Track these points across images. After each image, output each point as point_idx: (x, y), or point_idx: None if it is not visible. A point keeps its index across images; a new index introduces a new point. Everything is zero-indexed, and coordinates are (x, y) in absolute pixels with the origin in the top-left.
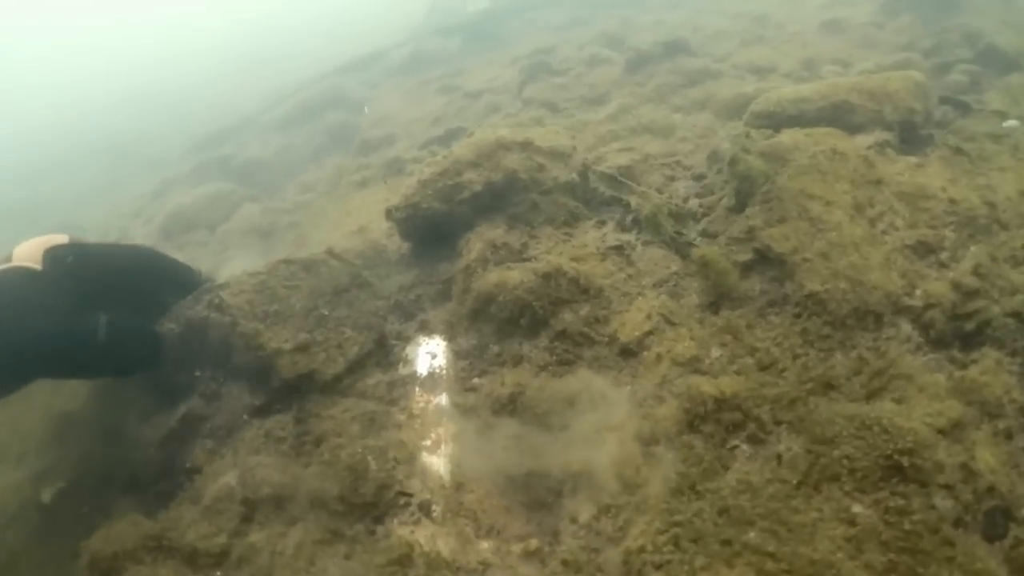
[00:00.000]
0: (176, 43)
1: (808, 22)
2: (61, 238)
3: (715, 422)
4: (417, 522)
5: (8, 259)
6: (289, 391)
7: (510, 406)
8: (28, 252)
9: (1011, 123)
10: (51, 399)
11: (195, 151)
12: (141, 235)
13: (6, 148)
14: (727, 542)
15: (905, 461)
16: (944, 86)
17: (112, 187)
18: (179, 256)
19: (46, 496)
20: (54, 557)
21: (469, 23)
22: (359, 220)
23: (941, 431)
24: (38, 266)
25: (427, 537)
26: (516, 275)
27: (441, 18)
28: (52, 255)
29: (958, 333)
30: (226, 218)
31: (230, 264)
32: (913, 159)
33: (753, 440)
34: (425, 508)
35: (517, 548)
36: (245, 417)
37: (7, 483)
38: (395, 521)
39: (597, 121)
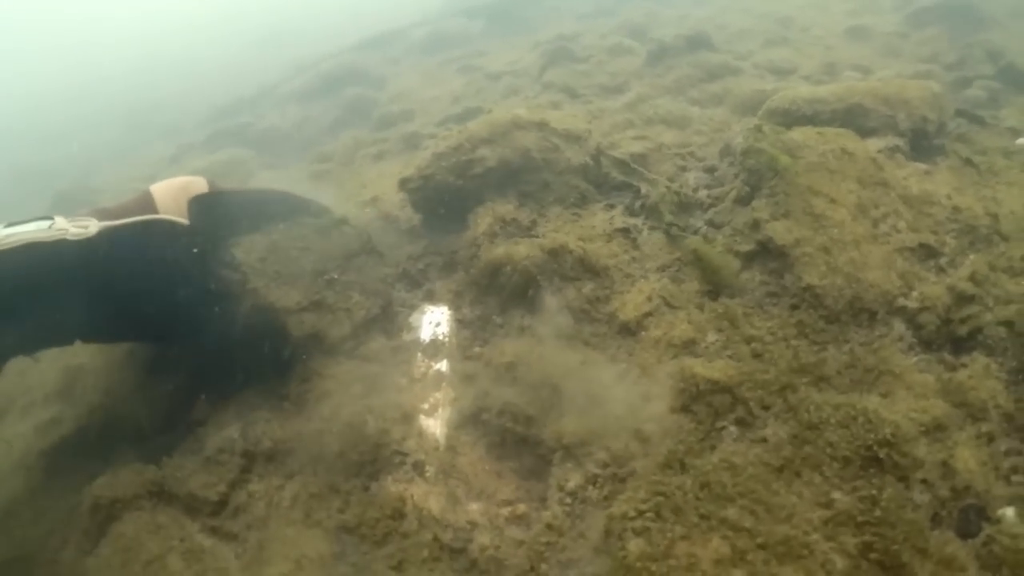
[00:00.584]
0: (196, 10)
1: (833, 27)
2: (200, 184)
3: (706, 404)
4: (410, 480)
5: (150, 206)
6: (295, 349)
7: (508, 375)
8: (171, 200)
9: (1023, 141)
10: (59, 352)
11: (212, 120)
12: None
13: (22, 109)
14: (706, 516)
15: (884, 453)
16: (962, 99)
17: (127, 152)
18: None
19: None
20: (57, 504)
21: (493, 5)
22: (373, 191)
23: (924, 428)
24: (184, 219)
25: (419, 495)
26: (523, 249)
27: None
28: (199, 206)
29: (950, 336)
30: (242, 184)
31: None
32: (922, 166)
33: (741, 423)
34: (419, 468)
35: (505, 511)
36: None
37: (12, 433)
38: (389, 479)
39: (614, 109)
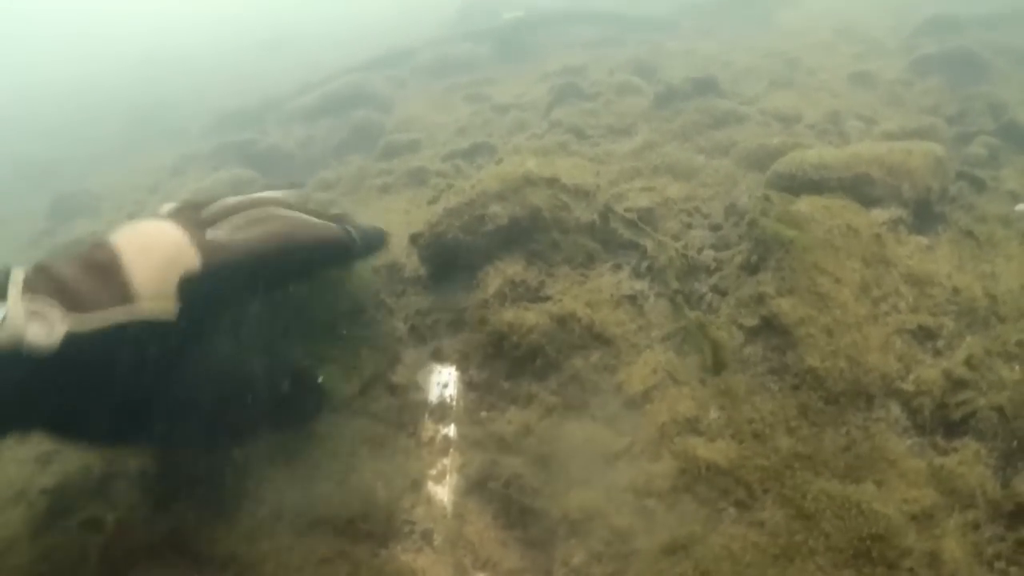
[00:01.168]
0: (202, 8)
1: (838, 71)
2: (191, 256)
3: (707, 484)
4: (419, 550)
5: (126, 289)
6: (301, 408)
7: (515, 444)
8: (153, 274)
9: (1022, 207)
10: None
11: (216, 129)
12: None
13: (23, 100)
14: None
15: (875, 547)
16: (963, 157)
17: (128, 153)
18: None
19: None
20: (59, 547)
21: (501, 31)
22: None
23: (914, 518)
24: (172, 307)
25: (428, 564)
26: (532, 316)
27: (473, 23)
28: (190, 292)
29: (943, 421)
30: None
31: None
32: (924, 240)
33: (740, 506)
34: (427, 536)
35: None
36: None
37: (11, 458)
38: (399, 547)
39: (622, 154)
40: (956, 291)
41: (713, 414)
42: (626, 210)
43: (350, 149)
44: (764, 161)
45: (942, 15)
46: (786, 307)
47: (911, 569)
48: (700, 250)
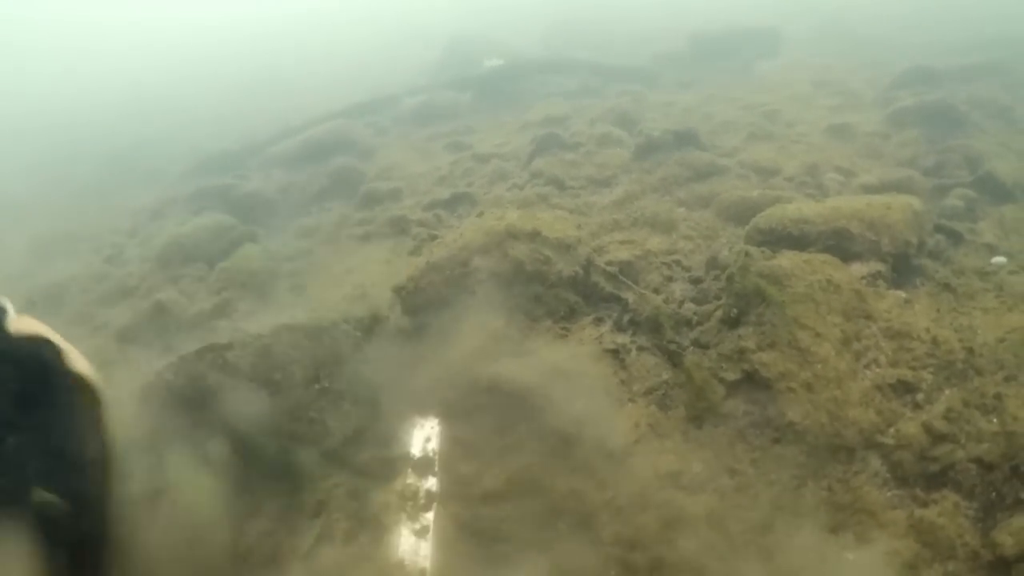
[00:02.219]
0: (187, 51)
1: (817, 123)
2: None
3: (691, 537)
4: None
5: None
6: (285, 459)
7: (498, 500)
8: None
9: (999, 260)
10: None
11: (196, 172)
12: (137, 257)
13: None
14: None
15: None
16: (940, 209)
17: (106, 193)
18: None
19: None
20: None
21: (482, 79)
22: (360, 279)
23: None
24: None
25: None
26: (514, 370)
27: (454, 69)
28: None
29: (923, 473)
30: (225, 254)
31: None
32: (902, 294)
33: (722, 560)
34: None
35: None
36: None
37: None
38: None
39: (602, 206)
40: (935, 344)
41: (696, 468)
42: (607, 263)
43: (331, 196)
44: (744, 214)
45: (918, 68)
46: (767, 361)
47: None
48: (681, 303)
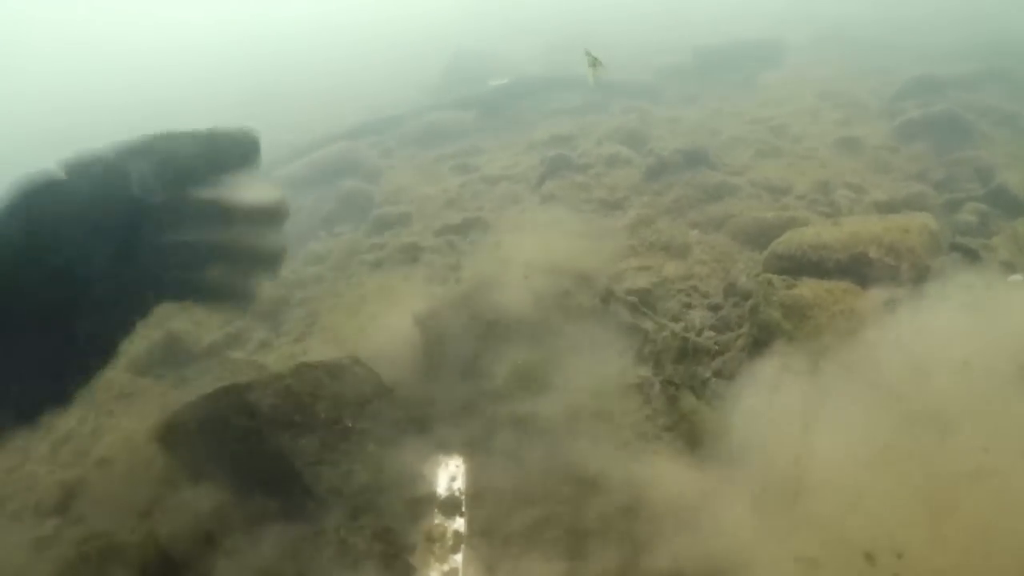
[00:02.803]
0: (182, 69)
1: (824, 138)
2: None
3: None
4: None
5: None
6: (309, 500)
7: (524, 539)
8: None
9: (1016, 278)
10: (51, 458)
11: None
12: None
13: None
14: None
15: None
16: (954, 225)
17: None
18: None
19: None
20: None
21: (487, 98)
22: (375, 309)
23: None
24: None
25: None
26: (540, 406)
27: (458, 88)
28: None
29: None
30: None
31: None
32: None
33: None
34: None
35: None
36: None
37: (5, 541)
38: None
39: (615, 229)
40: None
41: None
42: (627, 292)
43: (339, 220)
44: (759, 237)
45: (923, 77)
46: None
47: None
48: (700, 331)
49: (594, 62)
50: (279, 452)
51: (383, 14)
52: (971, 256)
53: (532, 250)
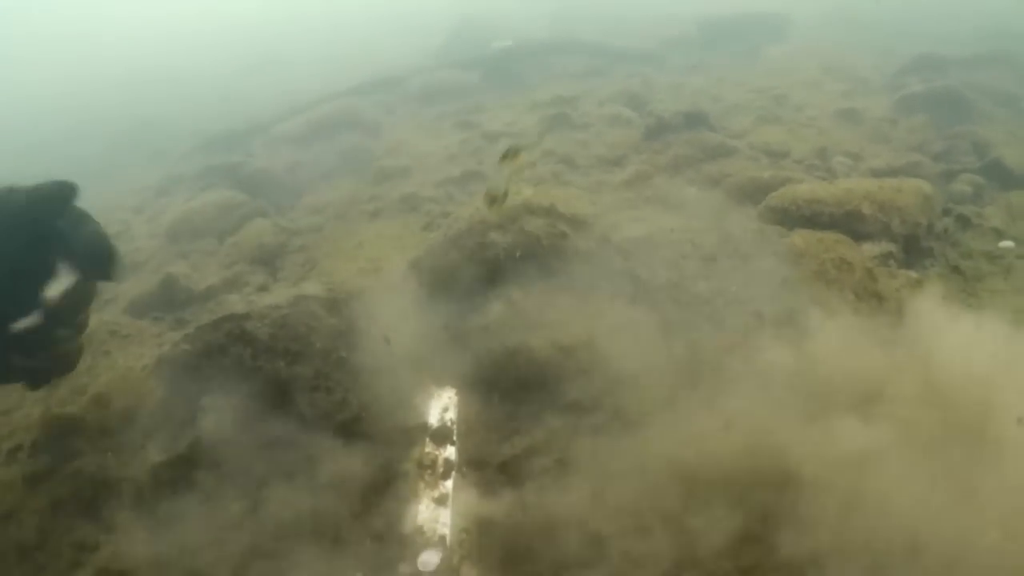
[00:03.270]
0: (193, 31)
1: (825, 108)
2: None
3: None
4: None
5: None
6: (302, 428)
7: (515, 467)
8: None
9: (1006, 244)
10: (47, 398)
11: (201, 151)
12: (145, 233)
13: (6, 120)
14: None
15: None
16: (948, 194)
17: (110, 173)
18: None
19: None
20: (50, 564)
21: (490, 59)
22: (373, 254)
23: None
24: None
25: None
26: (536, 342)
27: (462, 50)
28: None
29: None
30: (235, 229)
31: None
32: (913, 274)
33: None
34: None
35: None
36: (255, 449)
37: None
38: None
39: (614, 184)
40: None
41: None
42: (622, 240)
43: (339, 174)
44: (755, 194)
45: (926, 55)
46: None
47: None
48: (695, 280)
49: None
50: (275, 378)
51: None
52: (963, 222)
53: (530, 196)
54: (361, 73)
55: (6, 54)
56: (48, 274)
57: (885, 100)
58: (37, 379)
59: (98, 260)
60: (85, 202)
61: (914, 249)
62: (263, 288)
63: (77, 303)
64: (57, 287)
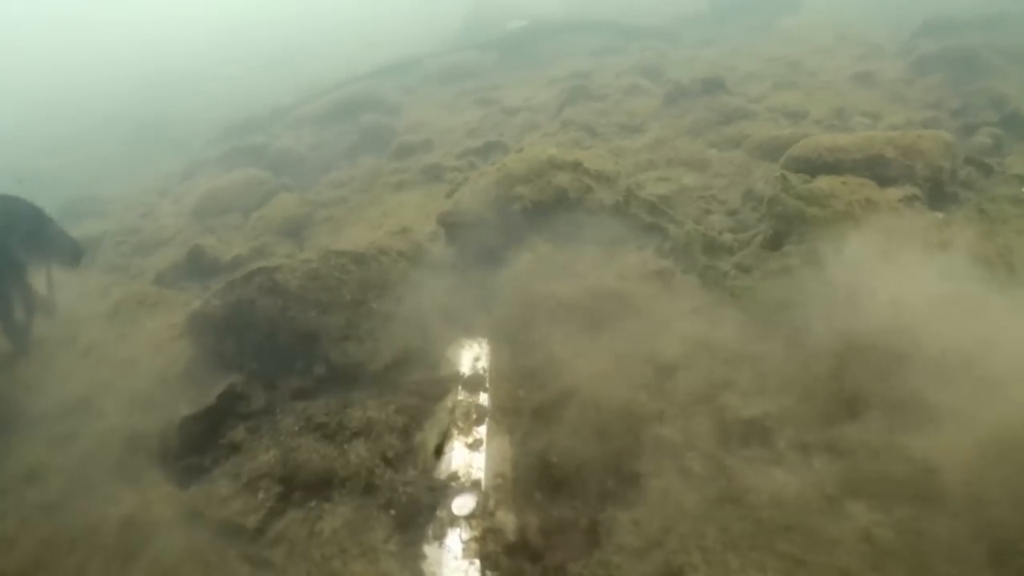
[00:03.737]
0: (212, 28)
1: (840, 72)
2: None
3: (744, 440)
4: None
5: None
6: (335, 378)
7: (549, 411)
8: None
9: None
10: (75, 366)
11: (222, 138)
12: (171, 213)
13: (26, 113)
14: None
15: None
16: (969, 147)
17: (133, 164)
18: (210, 239)
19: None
20: (80, 518)
21: (506, 40)
22: (399, 221)
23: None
24: None
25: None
26: (563, 287)
27: (478, 32)
28: None
29: (973, 376)
30: (259, 205)
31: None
32: (939, 215)
33: (778, 461)
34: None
35: None
36: (286, 400)
37: (25, 444)
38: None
39: (635, 149)
40: (975, 258)
41: (747, 374)
42: (647, 196)
43: (361, 152)
44: (776, 152)
45: (938, 18)
46: (812, 275)
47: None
48: (720, 232)
49: None
50: (307, 329)
51: None
52: (985, 169)
53: (556, 152)
54: (379, 59)
55: (30, 60)
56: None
57: (900, 63)
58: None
59: (64, 252)
60: (110, 187)
61: (938, 194)
62: (290, 257)
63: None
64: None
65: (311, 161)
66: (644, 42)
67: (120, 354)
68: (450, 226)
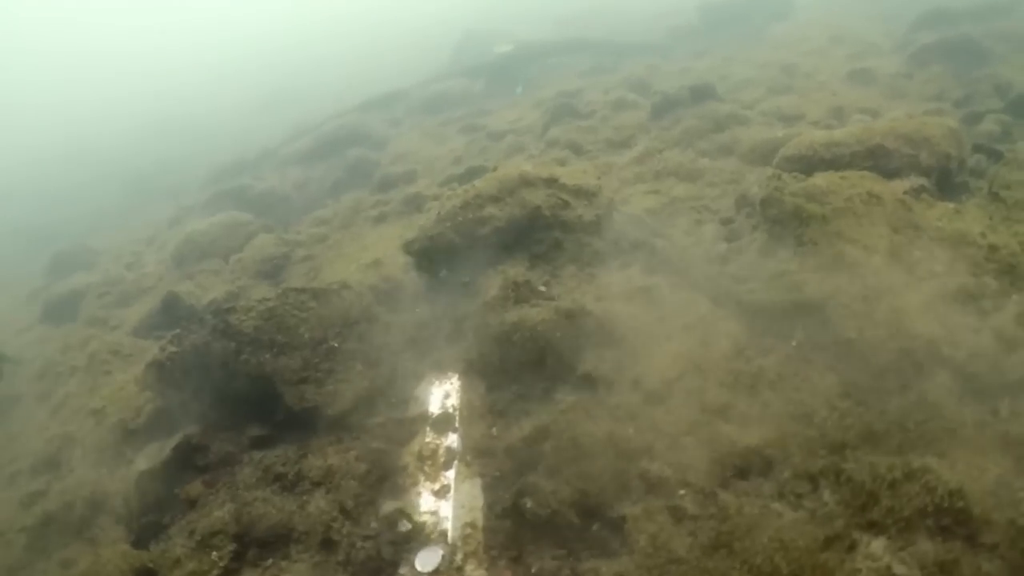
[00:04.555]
0: (204, 73)
1: (836, 72)
2: None
3: (743, 473)
4: None
5: None
6: (293, 424)
7: (527, 453)
8: None
9: None
10: (49, 420)
11: (213, 181)
12: (154, 261)
13: (24, 170)
14: None
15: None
16: (976, 135)
17: (129, 213)
18: (188, 285)
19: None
20: None
21: (494, 65)
22: (374, 254)
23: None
24: None
25: None
26: (537, 314)
27: (469, 60)
28: None
29: (1002, 384)
30: (240, 247)
31: None
32: (950, 204)
33: (782, 495)
34: None
35: None
36: (244, 449)
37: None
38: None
39: (622, 164)
40: (993, 249)
41: (745, 400)
42: (632, 209)
43: (346, 188)
44: (771, 155)
45: (935, 9)
46: (813, 281)
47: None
48: (714, 243)
49: None
50: (260, 373)
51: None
52: (995, 156)
53: (528, 169)
54: (367, 94)
55: (29, 118)
56: None
57: (896, 58)
58: None
59: None
60: (101, 238)
61: (947, 184)
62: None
63: None
64: None
65: (297, 200)
66: (635, 59)
67: (91, 407)
68: (416, 254)
